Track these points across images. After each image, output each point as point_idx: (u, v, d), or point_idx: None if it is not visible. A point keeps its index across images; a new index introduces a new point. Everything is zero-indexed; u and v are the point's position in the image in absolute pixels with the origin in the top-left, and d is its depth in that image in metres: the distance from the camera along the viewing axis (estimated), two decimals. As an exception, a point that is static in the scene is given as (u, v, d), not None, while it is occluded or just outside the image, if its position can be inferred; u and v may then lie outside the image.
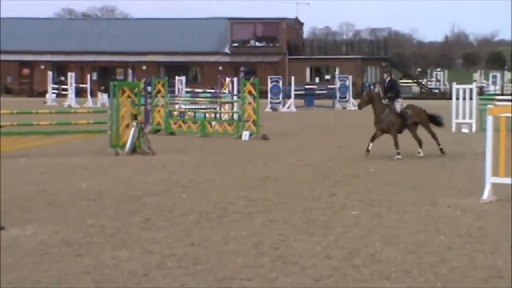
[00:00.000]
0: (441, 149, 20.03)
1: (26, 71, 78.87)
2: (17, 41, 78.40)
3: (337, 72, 64.90)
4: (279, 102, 49.01)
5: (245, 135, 25.98)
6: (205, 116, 29.02)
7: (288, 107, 48.72)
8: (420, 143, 19.94)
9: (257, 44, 77.09)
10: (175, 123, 28.35)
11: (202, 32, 76.81)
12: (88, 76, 59.60)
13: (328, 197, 13.52)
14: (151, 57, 75.23)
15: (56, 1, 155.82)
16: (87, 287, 7.77)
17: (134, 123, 20.69)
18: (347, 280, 8.12)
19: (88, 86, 55.95)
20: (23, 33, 79.26)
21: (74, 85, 53.56)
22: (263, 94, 35.32)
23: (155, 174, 16.48)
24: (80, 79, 61.71)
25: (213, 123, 28.44)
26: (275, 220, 11.36)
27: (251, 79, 28.58)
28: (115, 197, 13.35)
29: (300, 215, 11.74)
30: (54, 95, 56.83)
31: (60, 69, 75.08)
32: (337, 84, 53.54)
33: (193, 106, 31.61)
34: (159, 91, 28.43)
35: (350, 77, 54.59)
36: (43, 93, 63.55)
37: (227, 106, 30.87)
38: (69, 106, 49.68)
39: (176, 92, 37.99)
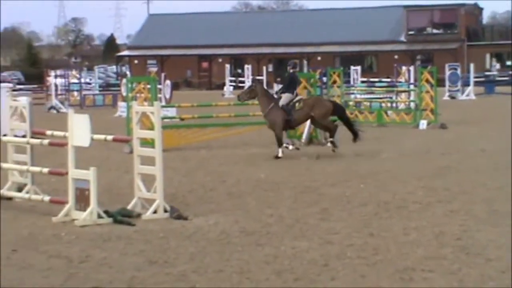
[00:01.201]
0: (332, 142, 18.25)
1: (205, 64, 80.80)
2: (196, 36, 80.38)
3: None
4: (458, 90, 47.91)
5: (422, 124, 25.56)
6: (381, 106, 28.76)
7: (467, 95, 47.57)
8: (328, 132, 18.58)
9: (434, 31, 75.65)
10: (351, 113, 28.20)
11: (377, 21, 76.08)
12: (264, 68, 60.34)
13: None
14: (326, 48, 75.27)
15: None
16: (268, 277, 7.84)
17: (311, 114, 20.75)
18: (533, 273, 7.83)
19: (264, 78, 56.69)
20: (202, 28, 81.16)
21: (250, 77, 54.43)
22: (440, 82, 34.64)
23: (332, 165, 16.47)
24: (256, 71, 62.55)
25: (390, 112, 28.15)
26: (456, 210, 11.11)
27: (428, 67, 28.10)
28: (292, 187, 13.44)
29: (482, 205, 11.43)
30: (231, 88, 57.93)
31: (237, 61, 76.41)
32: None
33: (369, 96, 31.42)
34: (334, 82, 28.41)
35: (533, 62, 52.75)
36: (221, 86, 64.88)
37: (403, 95, 30.50)
38: (247, 98, 50.47)
39: (352, 82, 37.87)
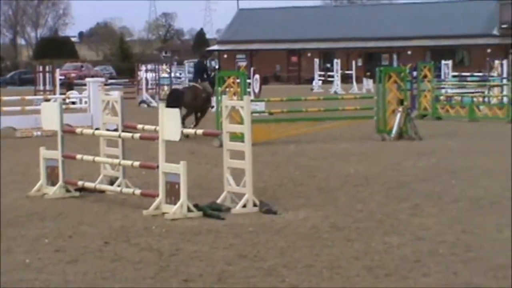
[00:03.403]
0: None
1: (294, 59, 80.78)
2: (285, 30, 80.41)
3: None
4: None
5: (516, 119, 24.99)
6: (473, 100, 28.28)
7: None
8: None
9: (528, 24, 73.92)
10: (442, 108, 27.83)
11: (470, 15, 74.83)
12: (353, 62, 59.98)
13: None
14: (417, 42, 74.41)
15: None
16: (358, 272, 7.77)
17: (400, 109, 20.55)
18: None
19: (353, 72, 56.35)
20: (291, 22, 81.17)
21: (339, 71, 54.14)
22: (535, 76, 33.78)
23: (423, 160, 16.26)
24: (345, 66, 62.20)
25: (482, 107, 27.64)
26: (552, 207, 10.82)
27: (522, 61, 27.51)
28: (383, 183, 13.31)
29: None
30: (320, 82, 57.75)
31: (326, 56, 76.15)
32: None
33: (460, 90, 30.94)
34: (425, 76, 28.04)
35: None
36: (310, 80, 64.75)
37: (496, 90, 29.91)
38: (335, 92, 50.27)
39: (442, 77, 37.33)
